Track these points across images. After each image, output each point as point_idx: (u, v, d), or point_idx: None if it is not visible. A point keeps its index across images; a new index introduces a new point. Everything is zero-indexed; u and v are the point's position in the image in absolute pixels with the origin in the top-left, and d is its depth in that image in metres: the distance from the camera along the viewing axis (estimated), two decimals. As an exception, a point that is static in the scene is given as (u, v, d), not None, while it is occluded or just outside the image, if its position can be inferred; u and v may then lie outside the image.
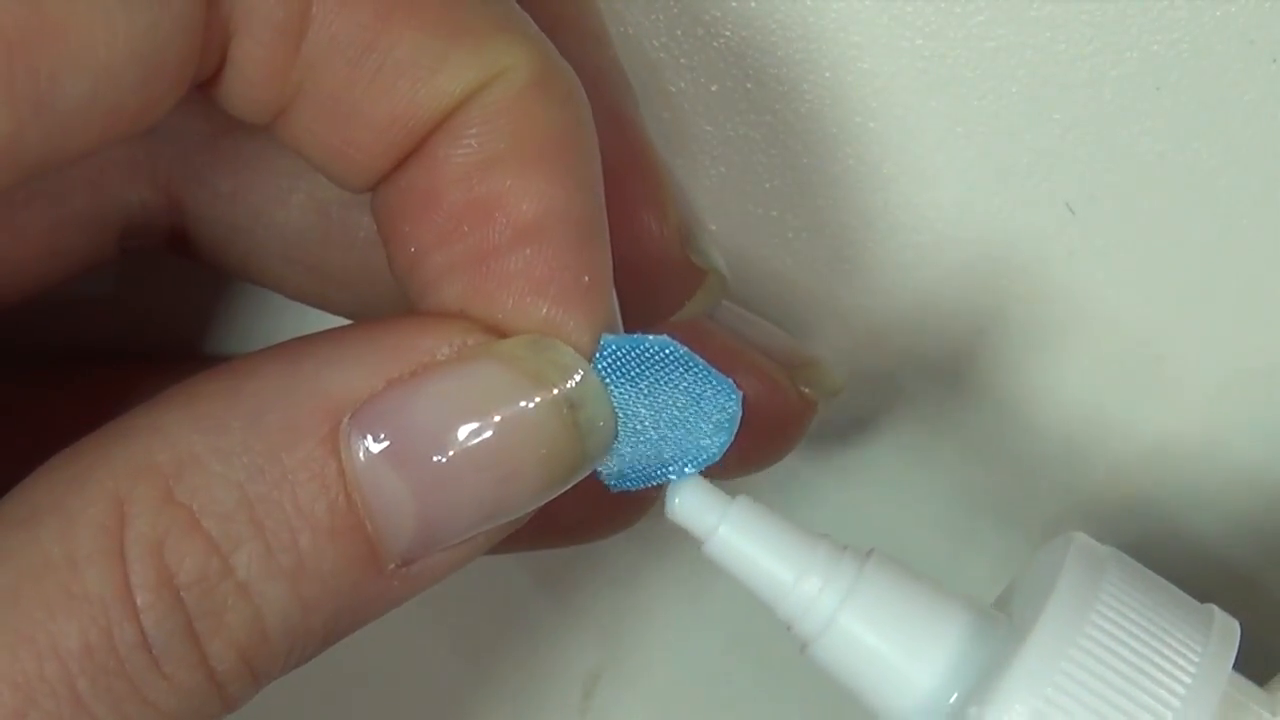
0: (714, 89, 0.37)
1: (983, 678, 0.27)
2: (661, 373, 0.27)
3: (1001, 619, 0.28)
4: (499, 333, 0.26)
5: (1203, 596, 0.30)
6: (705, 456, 0.27)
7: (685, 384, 0.27)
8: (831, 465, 0.40)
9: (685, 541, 0.41)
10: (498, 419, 0.25)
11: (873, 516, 0.41)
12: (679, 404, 0.27)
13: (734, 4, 0.37)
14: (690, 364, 0.27)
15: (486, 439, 0.25)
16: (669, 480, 0.28)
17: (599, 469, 0.27)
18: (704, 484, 0.28)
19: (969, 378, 0.39)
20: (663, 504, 0.28)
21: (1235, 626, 0.28)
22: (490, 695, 0.42)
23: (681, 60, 0.37)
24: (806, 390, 0.35)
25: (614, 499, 0.28)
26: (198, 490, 0.24)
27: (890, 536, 0.41)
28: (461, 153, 0.26)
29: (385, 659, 0.41)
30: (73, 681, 0.23)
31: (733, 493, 0.28)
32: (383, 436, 0.25)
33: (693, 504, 0.28)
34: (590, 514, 0.33)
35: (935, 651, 0.28)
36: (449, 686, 0.42)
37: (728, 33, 0.37)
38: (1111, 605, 0.27)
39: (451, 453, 0.25)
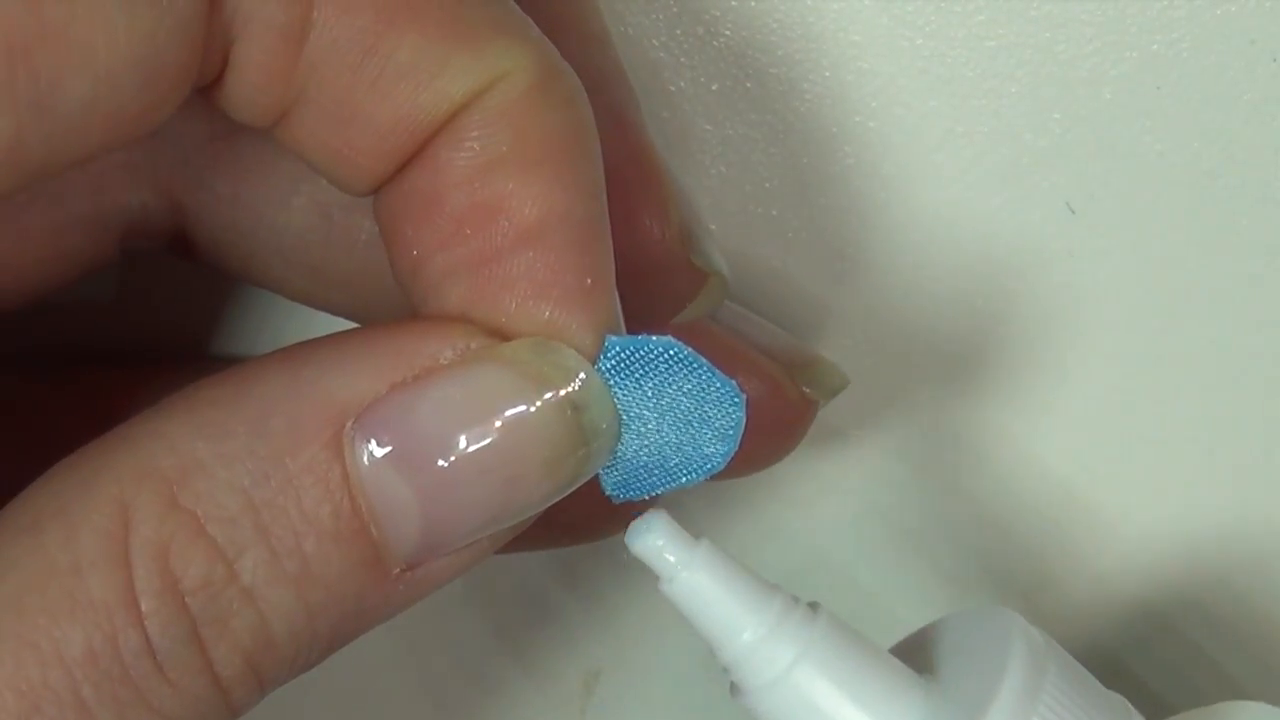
0: (714, 89, 0.37)
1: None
2: (666, 374, 0.27)
3: (934, 690, 0.29)
4: (502, 336, 0.26)
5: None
6: (710, 465, 0.27)
7: (690, 385, 0.27)
8: (831, 465, 0.40)
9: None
10: (501, 422, 0.25)
11: (872, 517, 0.41)
12: (683, 405, 0.27)
13: (734, 4, 0.37)
14: (694, 365, 0.27)
15: (490, 442, 0.25)
16: (675, 489, 0.28)
17: (603, 480, 0.27)
18: (671, 523, 0.28)
19: (969, 377, 0.39)
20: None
21: None
22: (490, 695, 0.42)
23: (681, 60, 0.37)
24: (807, 390, 0.34)
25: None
26: (202, 495, 0.24)
27: (889, 537, 0.41)
28: (464, 156, 0.26)
29: (385, 659, 0.41)
30: (77, 688, 0.23)
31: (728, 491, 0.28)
32: (386, 441, 0.25)
33: (660, 542, 0.28)
34: (590, 513, 0.33)
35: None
36: (449, 686, 0.42)
37: (728, 33, 0.37)
38: (1052, 709, 0.28)
39: (455, 457, 0.25)
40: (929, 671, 0.29)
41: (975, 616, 0.30)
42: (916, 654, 0.30)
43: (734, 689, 0.29)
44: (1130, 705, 0.30)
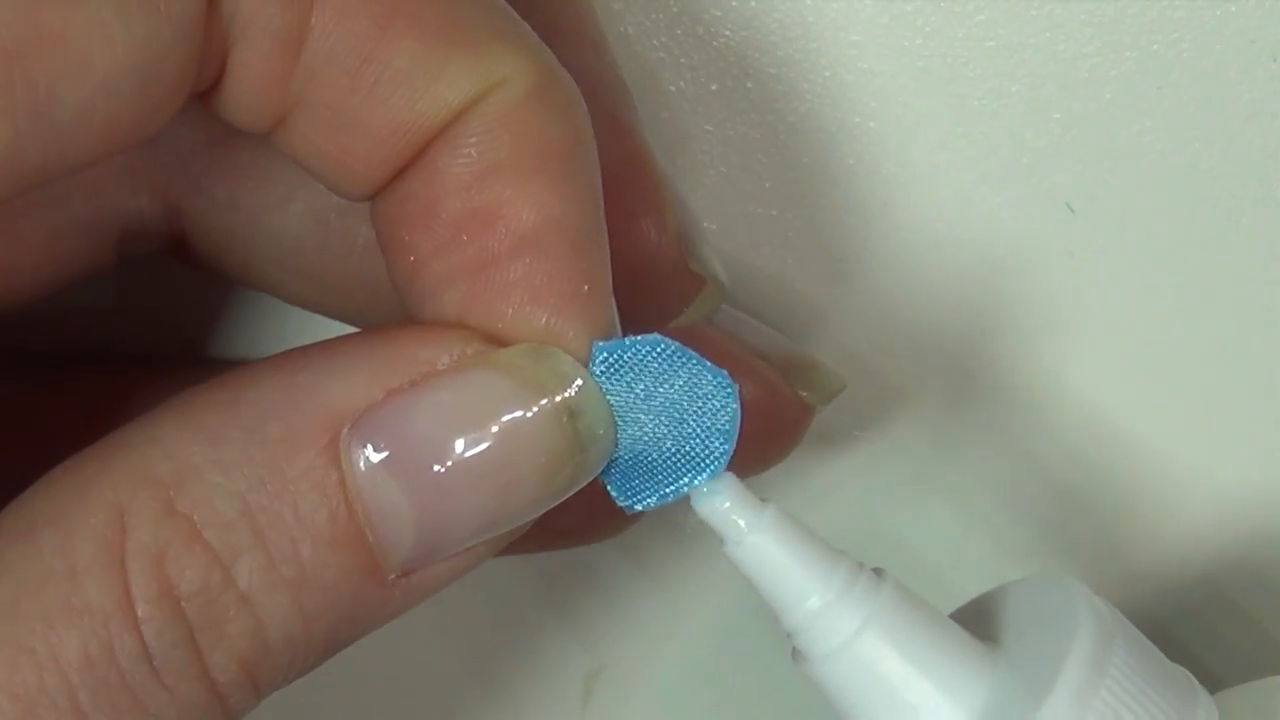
0: (714, 89, 0.37)
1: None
2: (657, 373, 0.27)
3: (1000, 660, 0.28)
4: (498, 342, 0.26)
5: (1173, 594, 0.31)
6: (712, 463, 0.27)
7: (681, 381, 0.27)
8: (830, 468, 0.40)
9: (686, 542, 0.41)
10: (497, 428, 0.25)
11: (871, 518, 0.41)
12: (678, 401, 0.27)
13: (734, 4, 0.37)
14: (684, 359, 0.27)
15: (486, 448, 0.25)
16: (682, 495, 0.28)
17: (609, 487, 0.27)
18: (738, 485, 0.28)
19: (969, 378, 0.39)
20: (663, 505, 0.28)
21: (1215, 710, 0.29)
22: (490, 695, 0.42)
23: (681, 60, 0.37)
24: (804, 394, 0.35)
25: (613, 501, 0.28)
26: (198, 501, 0.24)
27: (889, 538, 0.41)
28: (461, 162, 0.26)
29: (385, 659, 0.41)
30: (74, 693, 0.23)
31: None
32: (382, 446, 0.25)
33: (726, 504, 0.28)
34: (587, 517, 0.33)
35: (943, 690, 0.28)
36: (449, 686, 0.42)
37: (728, 33, 0.37)
38: (1119, 681, 0.28)
39: (451, 462, 0.25)
40: (992, 640, 0.29)
41: (1039, 585, 0.30)
42: (978, 621, 0.30)
43: (796, 655, 0.29)
44: (1194, 678, 0.29)
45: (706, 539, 0.29)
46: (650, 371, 0.27)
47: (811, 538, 0.28)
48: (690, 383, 0.27)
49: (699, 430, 0.27)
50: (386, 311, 0.31)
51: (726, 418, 0.27)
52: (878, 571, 0.28)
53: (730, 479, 0.28)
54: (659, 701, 0.42)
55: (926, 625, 0.28)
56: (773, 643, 0.41)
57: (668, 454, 0.27)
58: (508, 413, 0.25)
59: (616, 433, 0.27)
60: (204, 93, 0.26)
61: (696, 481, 0.27)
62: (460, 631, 0.42)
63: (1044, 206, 0.38)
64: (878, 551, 0.37)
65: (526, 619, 0.42)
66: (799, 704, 0.42)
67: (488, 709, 0.42)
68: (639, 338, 0.26)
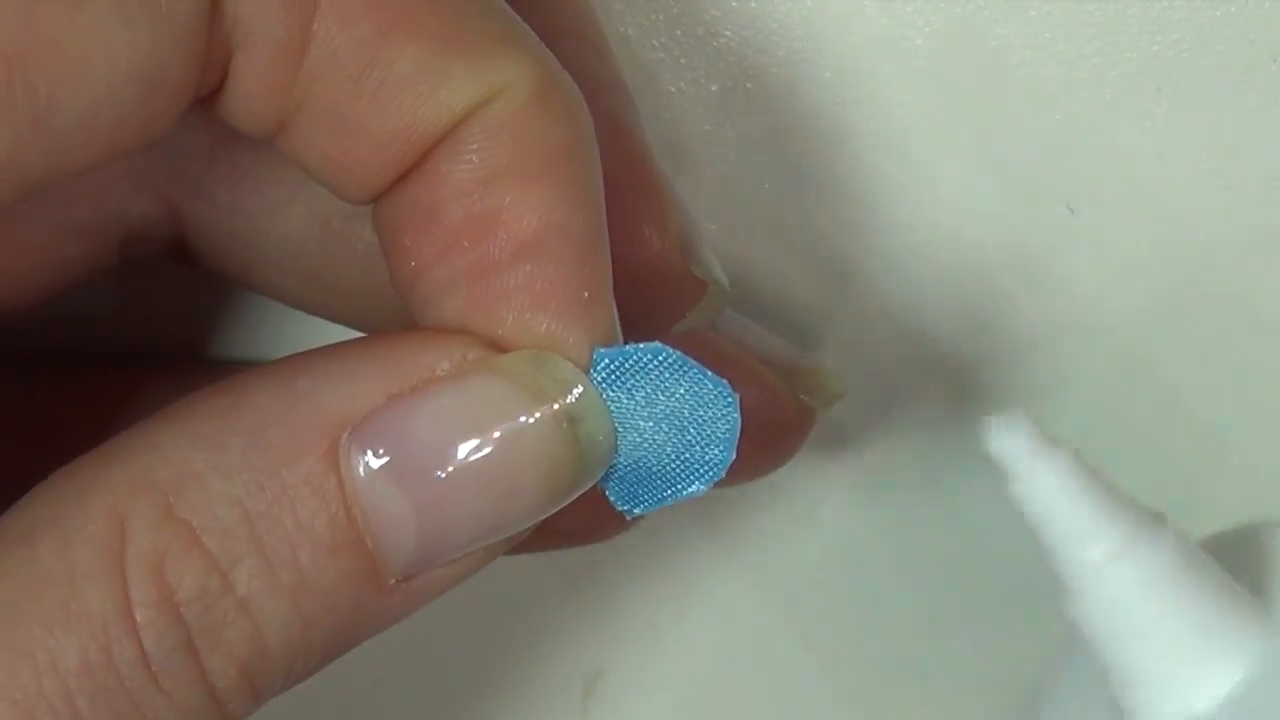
0: (714, 89, 0.37)
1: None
2: (657, 380, 0.27)
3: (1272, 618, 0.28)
4: (499, 348, 0.26)
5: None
6: (712, 470, 0.27)
7: (682, 388, 0.27)
8: (831, 470, 0.40)
9: (686, 541, 0.41)
10: (498, 434, 0.25)
11: (873, 521, 0.41)
12: (678, 409, 0.27)
13: (734, 4, 0.37)
14: (685, 368, 0.27)
15: (487, 454, 0.25)
16: (681, 499, 0.28)
17: (609, 493, 0.27)
18: (1032, 425, 0.28)
19: (969, 378, 0.39)
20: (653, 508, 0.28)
21: None
22: (490, 695, 0.42)
23: (681, 60, 0.37)
24: (805, 398, 0.35)
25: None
26: (198, 507, 0.24)
27: (889, 539, 0.41)
28: (463, 168, 0.26)
29: (384, 660, 0.41)
30: (72, 699, 0.23)
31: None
32: (382, 452, 0.25)
33: (1019, 442, 0.27)
34: (588, 518, 0.33)
35: (1216, 648, 0.28)
36: (448, 686, 0.42)
37: (728, 33, 0.37)
38: None
39: (452, 468, 0.25)
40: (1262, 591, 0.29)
41: None
42: (1236, 556, 0.30)
43: (1069, 601, 0.28)
44: None
45: (704, 540, 0.29)
46: (651, 379, 0.27)
47: (1101, 484, 0.28)
48: (691, 391, 0.27)
49: (699, 438, 0.27)
50: (388, 315, 0.31)
51: (726, 427, 0.27)
52: (1157, 518, 0.28)
53: (1024, 418, 0.27)
54: (659, 703, 0.42)
55: (1203, 581, 0.28)
56: (773, 645, 0.42)
57: (667, 461, 0.27)
58: (508, 419, 0.25)
59: (617, 439, 0.27)
60: (206, 97, 0.26)
61: (694, 489, 0.27)
62: (460, 632, 0.42)
63: (1044, 206, 0.38)
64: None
65: (526, 620, 0.42)
66: (800, 705, 0.42)
67: (488, 709, 0.42)
68: (640, 345, 0.26)
